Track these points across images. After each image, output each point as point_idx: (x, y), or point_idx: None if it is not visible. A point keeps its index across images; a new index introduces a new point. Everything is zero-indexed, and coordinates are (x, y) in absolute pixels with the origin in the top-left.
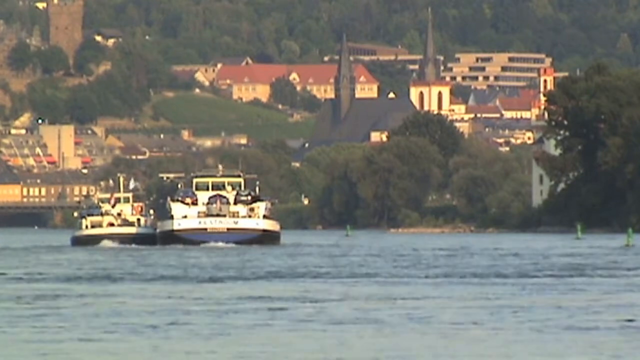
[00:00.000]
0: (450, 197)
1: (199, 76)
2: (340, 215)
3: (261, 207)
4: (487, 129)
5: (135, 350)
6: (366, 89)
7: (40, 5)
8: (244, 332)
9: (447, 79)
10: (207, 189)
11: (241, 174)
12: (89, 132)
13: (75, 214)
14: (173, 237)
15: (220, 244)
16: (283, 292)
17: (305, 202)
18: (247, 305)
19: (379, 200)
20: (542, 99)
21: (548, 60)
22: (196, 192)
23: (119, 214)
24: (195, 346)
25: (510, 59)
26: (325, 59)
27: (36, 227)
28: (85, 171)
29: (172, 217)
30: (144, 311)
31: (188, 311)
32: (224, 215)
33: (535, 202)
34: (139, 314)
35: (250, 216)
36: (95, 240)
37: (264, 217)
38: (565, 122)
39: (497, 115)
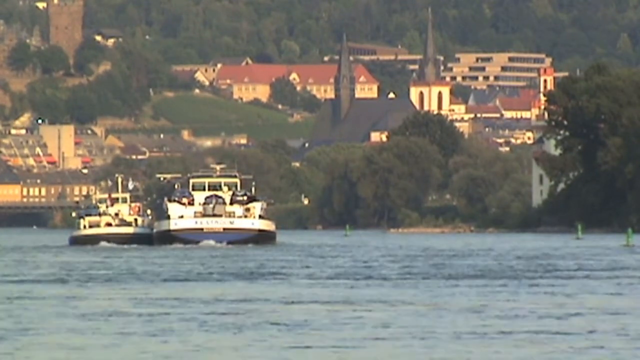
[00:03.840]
0: (450, 197)
1: (199, 76)
2: (340, 215)
3: (257, 207)
4: (487, 129)
5: None
6: (366, 89)
7: (40, 5)
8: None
9: (447, 79)
10: (204, 189)
11: (237, 175)
12: (89, 132)
13: (74, 214)
14: (169, 237)
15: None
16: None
17: (305, 202)
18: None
19: (379, 200)
20: (542, 99)
21: (548, 60)
22: (193, 193)
23: (116, 214)
24: None
25: (510, 59)
26: (325, 59)
27: (35, 227)
28: (85, 171)
29: (168, 217)
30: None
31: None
32: (220, 216)
33: (535, 202)
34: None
35: (246, 216)
36: (92, 240)
37: (260, 217)
38: (565, 122)
39: (497, 115)
